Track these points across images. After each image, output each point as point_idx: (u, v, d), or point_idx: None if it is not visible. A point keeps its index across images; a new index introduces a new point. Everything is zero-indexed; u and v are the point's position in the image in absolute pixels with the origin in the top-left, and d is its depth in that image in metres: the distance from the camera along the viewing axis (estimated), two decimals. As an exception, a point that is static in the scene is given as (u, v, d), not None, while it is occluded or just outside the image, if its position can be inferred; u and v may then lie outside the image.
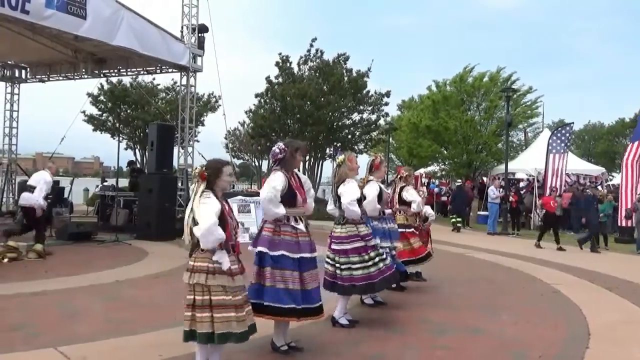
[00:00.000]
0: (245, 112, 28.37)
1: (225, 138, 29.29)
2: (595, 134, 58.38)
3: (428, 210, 8.40)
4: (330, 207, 5.91)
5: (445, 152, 25.33)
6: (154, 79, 27.07)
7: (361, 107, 24.49)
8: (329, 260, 5.63)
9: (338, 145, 23.74)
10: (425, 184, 27.66)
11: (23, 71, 17.91)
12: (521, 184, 22.52)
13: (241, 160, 44.08)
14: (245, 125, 34.67)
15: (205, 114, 28.67)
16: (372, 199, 6.16)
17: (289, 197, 4.69)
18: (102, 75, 17.36)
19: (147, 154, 19.46)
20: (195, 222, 3.83)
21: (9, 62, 17.59)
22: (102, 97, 26.90)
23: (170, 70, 15.77)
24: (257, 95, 24.98)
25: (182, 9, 14.66)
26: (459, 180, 27.95)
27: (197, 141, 22.98)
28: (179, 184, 14.47)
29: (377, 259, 5.60)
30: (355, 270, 5.50)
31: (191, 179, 13.79)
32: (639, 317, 6.78)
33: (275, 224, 4.66)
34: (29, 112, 28.70)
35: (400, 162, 32.85)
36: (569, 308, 6.97)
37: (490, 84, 23.83)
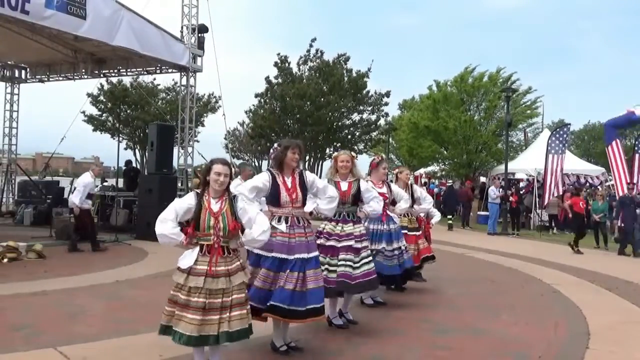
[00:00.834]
0: (245, 112, 28.50)
1: (225, 138, 29.40)
2: (595, 134, 58.38)
3: (431, 209, 8.35)
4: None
5: (445, 152, 25.33)
6: (154, 79, 27.19)
7: (361, 107, 24.54)
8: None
9: (338, 145, 23.78)
10: (426, 184, 27.75)
11: (23, 71, 17.92)
12: (521, 184, 22.53)
13: (241, 161, 44.10)
14: (245, 126, 34.74)
15: (205, 114, 28.72)
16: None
17: (270, 197, 4.71)
18: (102, 75, 17.37)
19: (147, 154, 19.45)
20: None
21: (9, 63, 17.60)
22: (101, 97, 26.94)
23: (170, 70, 15.78)
24: (257, 96, 25.04)
25: (182, 9, 14.67)
26: (450, 181, 28.03)
27: (197, 141, 23.03)
28: (179, 184, 14.46)
29: (364, 261, 5.46)
30: (341, 268, 5.38)
31: (191, 178, 13.79)
32: (638, 317, 6.78)
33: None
34: (29, 112, 28.72)
35: (400, 163, 32.86)
36: (569, 308, 6.97)
37: (490, 84, 23.83)
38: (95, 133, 28.71)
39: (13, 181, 18.33)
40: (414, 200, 7.51)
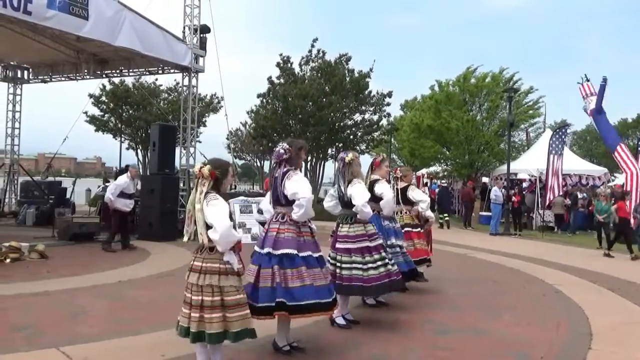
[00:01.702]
0: (247, 113, 28.49)
1: (227, 138, 29.38)
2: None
3: (427, 212, 8.36)
4: (332, 203, 5.90)
5: (447, 152, 25.31)
6: (156, 79, 27.20)
7: (363, 108, 24.51)
8: (330, 259, 5.61)
9: (340, 145, 23.77)
10: (427, 185, 27.76)
11: (25, 72, 17.96)
12: (523, 185, 22.51)
13: (243, 161, 44.15)
14: (247, 126, 34.76)
15: (207, 114, 28.73)
16: (390, 199, 6.20)
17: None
18: (104, 75, 17.39)
19: (149, 154, 19.46)
20: (206, 224, 3.85)
21: (11, 63, 17.64)
22: (104, 98, 26.97)
23: (172, 70, 15.80)
24: (259, 96, 25.03)
25: (184, 9, 14.68)
26: (444, 181, 28.05)
27: (199, 142, 23.13)
28: (181, 185, 14.48)
29: (379, 263, 5.57)
30: (355, 270, 5.49)
31: (193, 178, 13.87)
32: (641, 317, 6.77)
33: (296, 225, 4.67)
34: (32, 112, 28.82)
35: (402, 163, 32.85)
36: (571, 308, 6.96)
37: (492, 84, 23.80)
38: (97, 133, 28.76)
39: (15, 181, 18.36)
40: (412, 201, 7.68)
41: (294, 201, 4.59)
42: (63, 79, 17.30)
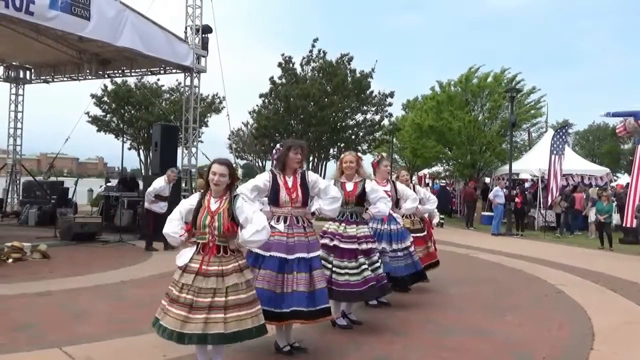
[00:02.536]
0: (249, 113, 28.47)
1: (229, 139, 29.31)
2: (599, 134, 58.19)
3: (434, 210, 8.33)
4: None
5: (449, 152, 25.29)
6: (158, 79, 27.19)
7: (365, 108, 24.52)
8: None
9: (342, 145, 23.78)
10: (429, 185, 27.74)
11: (27, 72, 17.98)
12: (526, 185, 22.48)
13: (245, 161, 44.16)
14: (249, 126, 34.77)
15: (209, 114, 28.73)
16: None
17: (271, 196, 4.74)
18: (106, 76, 17.41)
19: (151, 154, 19.48)
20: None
21: (14, 63, 17.66)
22: (106, 98, 26.99)
23: (174, 71, 15.82)
24: (261, 96, 25.04)
25: (185, 9, 14.69)
26: (443, 182, 28.05)
27: (201, 142, 23.06)
28: (183, 185, 14.48)
29: (363, 267, 5.41)
30: (350, 276, 5.36)
31: (195, 178, 13.82)
32: (643, 318, 6.76)
33: (289, 227, 4.66)
34: (34, 112, 28.83)
35: (404, 163, 32.81)
36: (573, 309, 6.95)
37: (494, 84, 23.77)
38: (99, 134, 28.76)
39: (18, 181, 18.39)
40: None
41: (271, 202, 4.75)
42: (65, 79, 17.33)
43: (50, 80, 17.67)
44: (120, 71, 16.63)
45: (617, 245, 14.65)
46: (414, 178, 29.85)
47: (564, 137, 19.15)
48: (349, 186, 5.56)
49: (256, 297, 4.04)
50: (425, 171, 29.52)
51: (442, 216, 19.66)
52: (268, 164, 37.11)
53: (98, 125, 28.19)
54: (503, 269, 10.33)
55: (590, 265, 10.99)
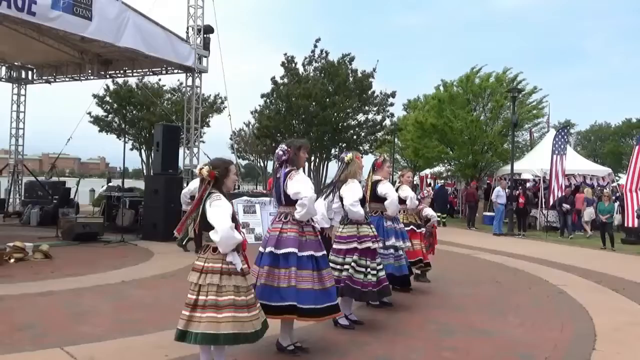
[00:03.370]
0: (251, 113, 28.46)
1: (231, 139, 29.32)
2: (601, 134, 58.19)
3: (429, 212, 8.35)
4: (337, 205, 5.85)
5: (451, 152, 25.28)
6: (159, 79, 27.17)
7: (366, 108, 24.49)
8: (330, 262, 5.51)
9: (343, 145, 23.76)
10: (431, 185, 27.73)
11: (29, 72, 18.03)
12: (527, 185, 22.45)
13: (246, 161, 44.14)
14: (251, 126, 34.77)
15: (210, 114, 28.72)
16: (394, 199, 6.19)
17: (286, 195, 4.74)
18: (108, 76, 17.44)
19: (152, 154, 19.50)
20: (207, 225, 3.84)
21: (16, 64, 17.71)
22: (107, 98, 27.00)
23: (175, 71, 15.84)
24: (262, 96, 25.03)
25: (187, 10, 14.71)
26: (441, 182, 28.03)
27: (203, 142, 23.04)
28: (185, 185, 14.48)
29: (368, 269, 5.51)
30: (345, 272, 5.48)
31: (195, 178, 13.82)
32: (645, 318, 6.75)
33: (299, 224, 4.67)
34: (36, 113, 28.88)
35: (405, 163, 32.80)
36: (575, 309, 6.95)
37: (496, 84, 23.76)
38: (101, 134, 28.72)
39: (20, 182, 18.43)
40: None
41: (296, 201, 4.58)
42: (67, 79, 17.36)
43: (52, 80, 17.70)
44: (121, 71, 16.66)
45: (619, 245, 14.63)
46: (415, 178, 29.89)
47: (565, 137, 19.15)
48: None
49: (229, 302, 4.00)
50: (427, 171, 29.51)
51: (443, 215, 19.76)
52: (270, 164, 37.10)
53: (100, 126, 28.18)
54: (505, 269, 10.32)
55: (592, 265, 10.98)
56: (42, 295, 6.71)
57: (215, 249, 3.88)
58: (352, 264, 5.49)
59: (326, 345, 5.04)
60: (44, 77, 17.83)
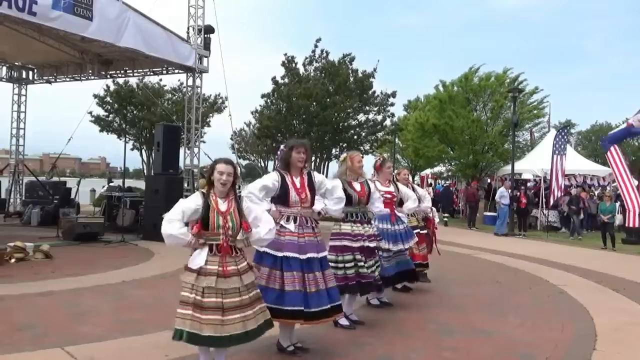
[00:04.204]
0: (252, 113, 28.47)
1: (231, 139, 29.37)
2: (602, 134, 58.07)
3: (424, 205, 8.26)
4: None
5: (451, 152, 25.27)
6: (160, 80, 27.20)
7: (367, 108, 24.49)
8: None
9: (344, 145, 23.77)
10: (432, 185, 27.74)
11: (30, 72, 18.02)
12: (528, 185, 22.45)
13: (247, 161, 44.12)
14: (251, 126, 34.77)
15: (211, 114, 28.74)
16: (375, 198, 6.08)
17: (279, 196, 4.72)
18: (108, 76, 17.42)
19: (153, 154, 19.50)
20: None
21: (16, 64, 17.70)
22: (108, 98, 27.03)
23: (176, 71, 15.83)
24: (263, 96, 25.03)
25: (188, 10, 14.70)
26: (446, 183, 28.04)
27: (203, 142, 23.05)
28: (185, 185, 14.50)
29: (347, 264, 5.47)
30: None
31: (197, 178, 13.84)
32: (646, 318, 6.74)
33: (300, 226, 4.68)
34: (36, 113, 28.90)
35: (406, 163, 32.79)
36: (575, 309, 6.94)
37: (496, 84, 23.74)
38: (101, 134, 28.79)
39: (20, 182, 18.43)
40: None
41: (284, 199, 4.70)
42: (67, 79, 17.35)
43: (53, 80, 17.69)
44: (122, 71, 16.64)
45: (620, 245, 14.63)
46: (416, 178, 29.87)
47: (565, 137, 19.13)
48: (357, 186, 5.60)
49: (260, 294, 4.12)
50: (428, 171, 29.49)
51: (445, 215, 19.80)
52: (270, 164, 37.10)
53: (100, 126, 28.21)
54: (505, 269, 10.32)
55: (593, 265, 10.98)
56: (43, 295, 6.72)
57: (241, 249, 4.03)
58: (350, 262, 5.48)
59: (326, 345, 5.04)
60: (44, 77, 17.82)
